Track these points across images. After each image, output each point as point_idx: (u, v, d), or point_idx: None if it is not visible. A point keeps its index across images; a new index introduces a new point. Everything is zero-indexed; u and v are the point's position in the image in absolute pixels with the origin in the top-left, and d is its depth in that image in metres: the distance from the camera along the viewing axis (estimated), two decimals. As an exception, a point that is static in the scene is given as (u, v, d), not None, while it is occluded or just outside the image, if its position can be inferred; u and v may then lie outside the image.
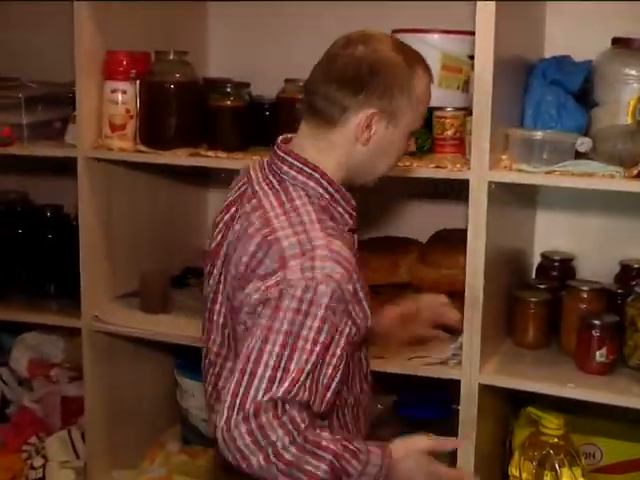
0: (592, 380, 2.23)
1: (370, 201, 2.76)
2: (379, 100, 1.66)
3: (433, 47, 2.42)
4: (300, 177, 1.70)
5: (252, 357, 1.57)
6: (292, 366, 1.56)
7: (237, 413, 1.55)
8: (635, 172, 2.10)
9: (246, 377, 1.56)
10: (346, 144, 1.70)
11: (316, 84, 1.71)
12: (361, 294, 1.66)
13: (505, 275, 2.41)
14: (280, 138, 1.80)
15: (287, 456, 1.55)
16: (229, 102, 2.53)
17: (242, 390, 1.56)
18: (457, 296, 2.44)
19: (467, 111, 2.37)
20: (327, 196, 1.69)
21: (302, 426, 1.56)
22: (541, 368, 2.30)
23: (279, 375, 1.55)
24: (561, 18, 2.56)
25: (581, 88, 2.39)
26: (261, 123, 2.58)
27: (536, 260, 2.66)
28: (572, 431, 2.30)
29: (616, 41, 2.40)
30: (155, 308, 2.73)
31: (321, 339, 1.57)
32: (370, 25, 2.64)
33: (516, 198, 2.42)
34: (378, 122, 1.67)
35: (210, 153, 2.50)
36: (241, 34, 2.96)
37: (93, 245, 2.69)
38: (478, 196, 2.16)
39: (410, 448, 1.72)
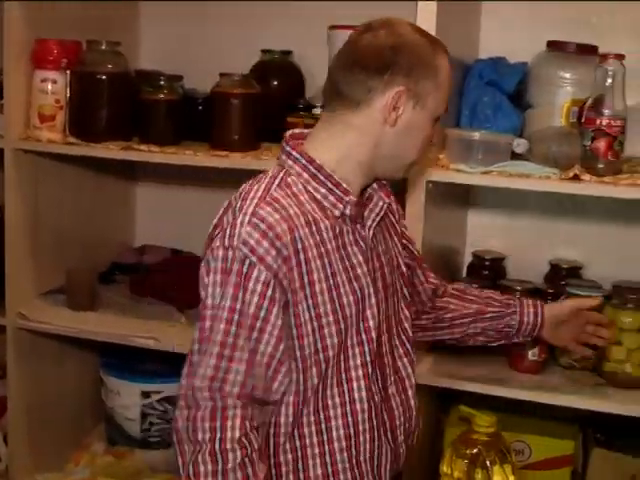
0: (525, 379, 2.26)
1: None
2: (405, 79, 1.61)
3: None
4: (282, 156, 1.68)
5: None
6: (208, 349, 1.54)
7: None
8: (571, 174, 2.12)
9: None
10: (372, 127, 1.64)
11: (336, 69, 1.67)
12: (312, 265, 1.59)
13: (438, 274, 2.41)
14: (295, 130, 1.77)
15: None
16: (162, 95, 2.49)
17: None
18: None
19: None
20: (306, 174, 1.64)
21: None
22: (474, 367, 2.31)
23: (198, 360, 1.56)
24: (496, 20, 2.59)
25: (516, 89, 2.42)
26: (194, 117, 2.54)
27: (467, 259, 2.68)
28: (502, 429, 2.31)
29: (551, 44, 2.42)
30: (82, 305, 2.67)
31: (238, 306, 1.53)
32: (306, 22, 2.66)
33: (450, 197, 2.43)
34: (405, 102, 1.62)
35: (143, 147, 2.45)
36: (174, 25, 2.91)
37: (18, 239, 2.62)
38: (416, 195, 2.16)
39: None
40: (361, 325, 1.67)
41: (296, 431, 1.64)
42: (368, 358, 1.67)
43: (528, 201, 2.61)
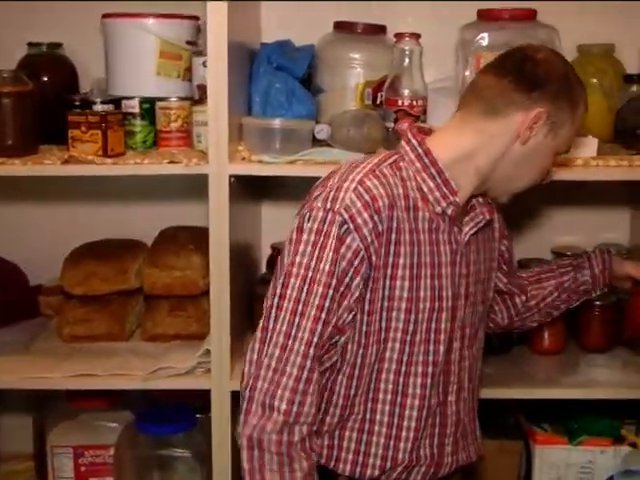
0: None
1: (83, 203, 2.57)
2: (550, 104, 1.64)
3: (149, 32, 2.23)
4: (402, 141, 1.69)
5: None
6: (306, 312, 1.59)
7: None
8: (378, 157, 2.06)
9: None
10: (503, 138, 1.66)
11: (487, 74, 1.69)
12: (401, 249, 1.61)
13: (243, 271, 2.29)
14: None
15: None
16: None
17: None
18: (191, 299, 2.32)
19: (192, 101, 2.23)
20: (418, 164, 1.65)
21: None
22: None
23: None
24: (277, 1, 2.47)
25: (306, 73, 2.33)
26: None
27: (265, 253, 2.57)
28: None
29: (338, 25, 2.35)
30: None
31: (336, 269, 1.56)
32: (76, 11, 2.44)
33: (249, 190, 2.31)
34: (541, 126, 1.65)
35: None
36: None
37: None
38: (219, 191, 2.01)
39: None
40: (433, 324, 1.67)
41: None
42: (432, 358, 1.68)
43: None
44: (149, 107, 2.23)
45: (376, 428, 1.68)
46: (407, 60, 2.10)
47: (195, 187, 2.12)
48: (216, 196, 2.02)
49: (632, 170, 2.07)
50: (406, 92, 2.09)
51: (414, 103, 2.08)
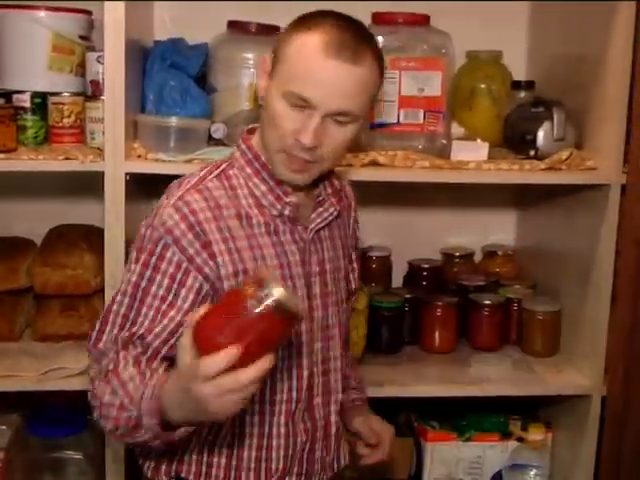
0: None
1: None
2: (277, 44, 1.57)
3: (42, 25, 2.18)
4: (234, 146, 1.67)
5: None
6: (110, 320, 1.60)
7: None
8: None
9: None
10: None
11: None
12: (244, 254, 1.56)
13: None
14: None
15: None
16: None
17: None
18: (83, 298, 2.28)
19: (85, 97, 2.19)
20: (249, 169, 1.62)
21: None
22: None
23: None
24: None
25: (199, 72, 2.32)
26: None
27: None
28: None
29: (231, 24, 2.35)
30: None
31: (134, 279, 1.54)
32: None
33: (139, 189, 2.28)
34: (267, 70, 1.58)
35: None
36: None
37: None
38: (114, 189, 1.99)
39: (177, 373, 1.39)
40: None
41: None
42: (294, 360, 1.62)
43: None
44: (41, 102, 2.18)
45: (246, 441, 1.61)
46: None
47: (83, 184, 2.10)
48: (112, 194, 2.00)
49: (522, 174, 2.15)
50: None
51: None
